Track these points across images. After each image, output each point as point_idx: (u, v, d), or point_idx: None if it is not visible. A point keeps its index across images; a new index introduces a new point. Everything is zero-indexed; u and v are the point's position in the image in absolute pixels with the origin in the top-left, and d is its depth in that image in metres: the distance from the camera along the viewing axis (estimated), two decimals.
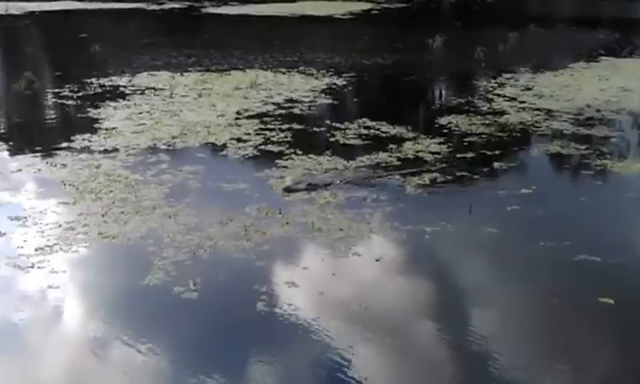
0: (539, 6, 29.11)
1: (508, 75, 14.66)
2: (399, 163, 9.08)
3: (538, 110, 11.81)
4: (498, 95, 12.97)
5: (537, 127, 10.86)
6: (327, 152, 9.51)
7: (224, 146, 9.83)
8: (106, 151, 9.69)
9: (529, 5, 30.58)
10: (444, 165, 8.94)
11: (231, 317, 5.76)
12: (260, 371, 4.99)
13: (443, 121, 11.10)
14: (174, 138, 10.22)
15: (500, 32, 19.25)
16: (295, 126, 10.82)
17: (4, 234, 7.18)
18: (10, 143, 10.49)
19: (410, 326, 5.61)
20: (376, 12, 27.34)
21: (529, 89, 13.43)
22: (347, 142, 10.07)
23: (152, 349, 5.22)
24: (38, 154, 9.76)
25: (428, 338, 5.47)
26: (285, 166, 9.07)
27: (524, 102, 12.34)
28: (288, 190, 8.08)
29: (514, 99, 12.59)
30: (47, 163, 9.32)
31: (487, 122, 11.07)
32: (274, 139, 10.11)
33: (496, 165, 9.11)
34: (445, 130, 10.59)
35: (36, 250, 6.79)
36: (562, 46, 19.21)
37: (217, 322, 5.72)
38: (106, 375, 5.04)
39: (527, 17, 24.48)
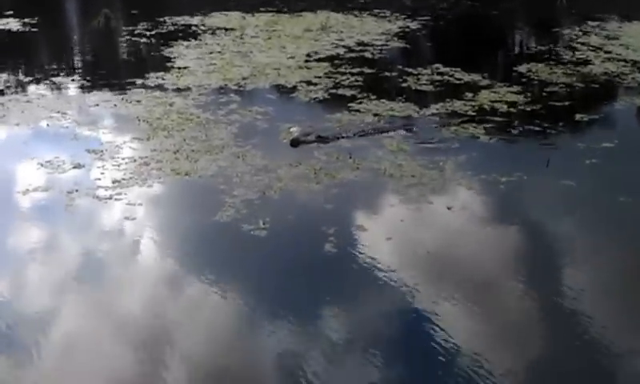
0: None
1: (594, 23, 14.04)
2: (449, 112, 8.97)
3: (624, 61, 11.30)
4: (582, 44, 12.46)
5: (622, 79, 10.44)
6: (399, 98, 9.47)
7: (294, 89, 9.91)
8: (178, 90, 9.92)
9: None
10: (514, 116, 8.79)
11: (299, 256, 5.92)
12: (326, 311, 5.12)
13: (522, 69, 10.82)
14: (244, 78, 10.37)
15: None
16: (366, 70, 10.78)
17: (83, 165, 7.55)
18: (88, 78, 10.84)
19: (479, 274, 5.61)
20: None
21: (615, 38, 12.85)
22: (420, 88, 9.99)
23: (222, 284, 5.43)
24: (114, 90, 10.08)
25: (497, 287, 5.47)
26: (357, 110, 9.09)
27: (609, 52, 11.83)
28: (296, 142, 7.95)
29: (599, 49, 12.07)
30: (123, 99, 9.63)
31: (569, 71, 10.72)
32: (345, 83, 10.11)
33: (577, 116, 8.87)
34: (523, 79, 10.33)
35: (113, 182, 7.12)
36: None
37: (285, 260, 5.88)
38: (177, 307, 5.26)
39: None
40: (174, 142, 8.10)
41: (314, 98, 9.58)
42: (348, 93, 9.73)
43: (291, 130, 8.28)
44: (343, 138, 8.12)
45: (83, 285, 5.57)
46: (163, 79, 10.39)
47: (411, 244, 6.07)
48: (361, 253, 5.86)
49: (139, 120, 8.80)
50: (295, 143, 7.94)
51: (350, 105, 9.26)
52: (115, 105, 9.47)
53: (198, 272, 5.63)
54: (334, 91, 9.82)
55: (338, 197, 6.78)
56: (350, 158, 7.58)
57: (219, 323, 5.08)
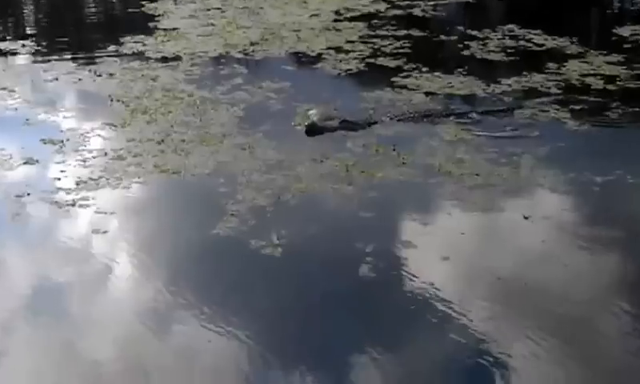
0: None
1: None
2: (526, 89, 9.03)
3: None
4: None
5: None
6: (459, 70, 9.51)
7: (318, 58, 10.00)
8: (164, 59, 9.99)
9: None
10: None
11: (327, 284, 5.86)
12: (363, 359, 5.02)
13: (624, 31, 10.81)
14: (252, 44, 10.48)
15: None
16: (415, 32, 10.88)
17: (37, 161, 7.59)
18: (45, 44, 11.02)
19: (568, 308, 5.48)
20: None
21: None
22: (487, 56, 10.04)
23: (223, 323, 5.34)
24: (79, 60, 10.22)
25: (593, 325, 5.33)
26: (403, 86, 9.09)
27: None
28: (312, 129, 7.92)
29: None
30: (90, 72, 9.71)
31: None
32: (386, 50, 10.16)
33: None
34: (626, 45, 10.30)
35: (77, 183, 7.11)
36: None
37: (307, 290, 5.83)
38: (161, 355, 5.17)
39: None
40: (158, 129, 8.12)
41: (346, 71, 9.60)
42: (391, 63, 9.74)
43: (309, 112, 8.28)
44: (376, 123, 8.14)
45: (36, 324, 5.48)
46: (144, 45, 10.48)
47: (476, 266, 5.99)
48: (409, 279, 5.79)
49: (112, 100, 8.86)
50: (312, 131, 7.93)
51: (393, 80, 9.24)
52: (80, 79, 9.54)
53: (191, 307, 5.56)
54: (371, 61, 9.84)
55: (379, 203, 6.74)
56: (394, 150, 7.57)
57: (221, 378, 4.98)
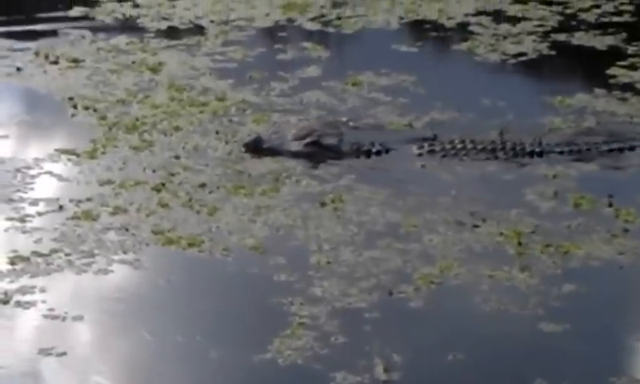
0: None
1: None
2: None
3: None
4: None
5: None
6: None
7: (462, 30, 10.51)
8: (173, 32, 10.44)
9: None
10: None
11: None
12: None
13: None
14: (335, 4, 10.99)
15: None
16: None
17: None
18: None
19: None
20: None
21: None
22: None
23: None
24: (17, 34, 10.54)
25: None
26: (627, 86, 9.24)
27: None
28: (253, 147, 8.46)
29: None
30: (38, 55, 9.96)
31: None
32: (589, 17, 10.61)
33: None
34: None
35: (10, 263, 7.16)
36: None
37: None
38: None
39: None
40: (156, 161, 8.42)
41: (515, 56, 9.90)
42: (599, 42, 10.16)
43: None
44: (386, 152, 8.66)
45: None
46: (137, 4, 10.94)
47: None
48: None
49: (75, 106, 9.17)
50: (253, 150, 8.48)
51: (607, 72, 9.50)
52: (18, 68, 9.86)
53: None
54: (561, 38, 10.21)
55: (579, 308, 6.77)
56: (610, 205, 7.87)
57: None
